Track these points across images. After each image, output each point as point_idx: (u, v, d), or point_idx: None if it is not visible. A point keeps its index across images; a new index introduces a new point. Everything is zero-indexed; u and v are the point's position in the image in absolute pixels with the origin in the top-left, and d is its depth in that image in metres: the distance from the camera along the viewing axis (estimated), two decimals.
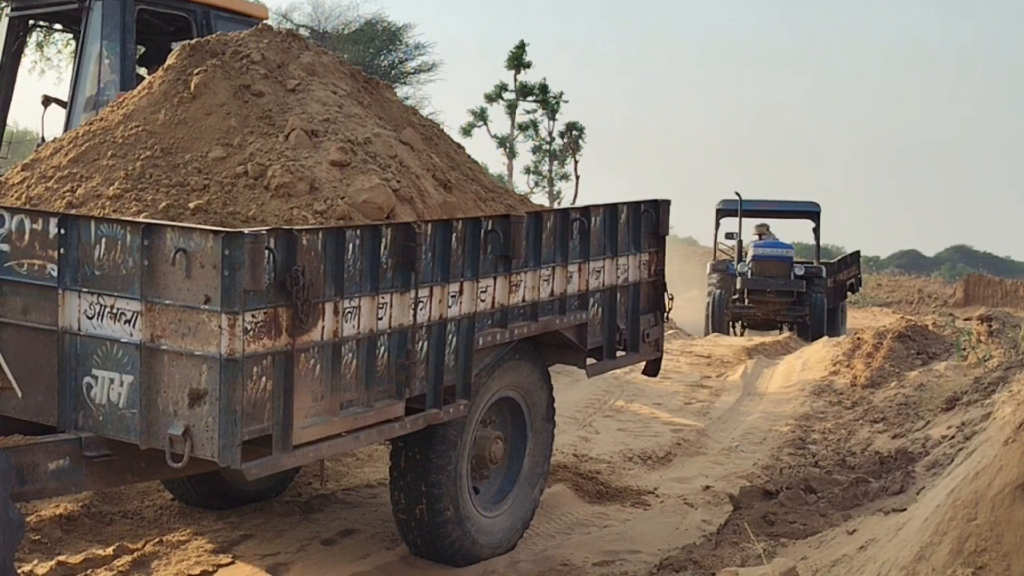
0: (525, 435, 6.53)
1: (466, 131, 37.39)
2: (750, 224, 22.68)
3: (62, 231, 4.63)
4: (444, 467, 5.81)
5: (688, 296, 25.28)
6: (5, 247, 4.77)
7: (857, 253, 24.53)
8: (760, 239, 22.02)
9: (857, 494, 6.96)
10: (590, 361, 6.80)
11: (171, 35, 9.08)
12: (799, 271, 20.95)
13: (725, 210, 22.48)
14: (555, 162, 40.70)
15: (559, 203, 38.56)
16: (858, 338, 15.37)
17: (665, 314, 7.42)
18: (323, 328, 4.70)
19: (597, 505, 7.64)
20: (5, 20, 9.29)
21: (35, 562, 5.76)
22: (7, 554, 4.01)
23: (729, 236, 22.15)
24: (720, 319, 20.91)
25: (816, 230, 22.66)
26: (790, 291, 20.69)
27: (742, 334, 21.18)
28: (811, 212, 22.78)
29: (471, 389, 5.70)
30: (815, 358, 14.95)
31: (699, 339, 18.65)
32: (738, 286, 20.81)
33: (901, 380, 12.28)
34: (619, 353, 7.02)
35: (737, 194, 21.62)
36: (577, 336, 6.55)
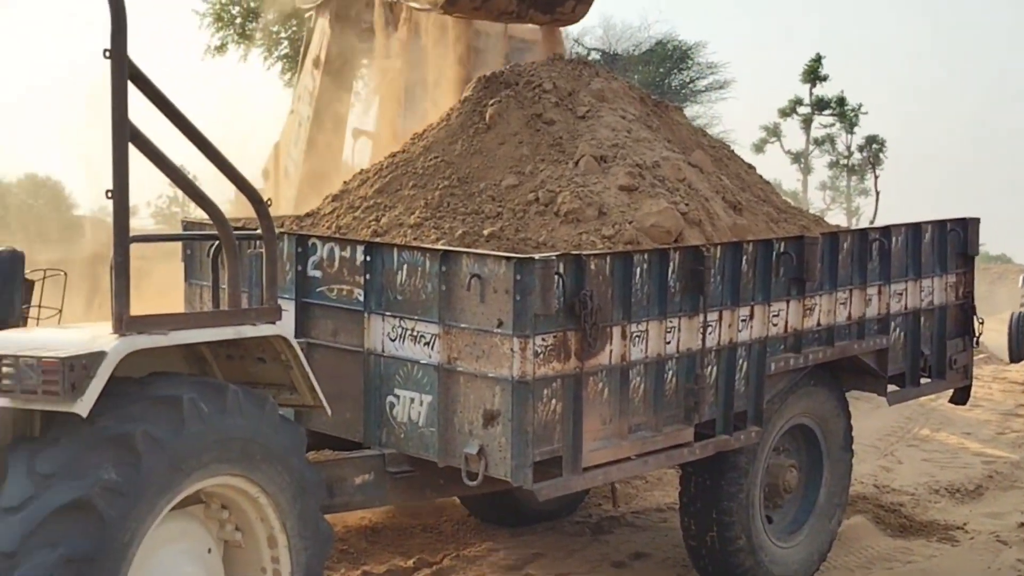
0: (821, 464, 6.31)
1: (758, 148, 36.77)
2: None
3: (368, 258, 4.89)
4: (735, 495, 5.70)
5: (1001, 318, 23.63)
6: (317, 273, 5.10)
7: None
8: None
9: None
10: (891, 388, 6.50)
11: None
12: None
13: None
14: (853, 177, 39.27)
15: (858, 220, 37.13)
16: None
17: (975, 339, 6.99)
18: (611, 352, 4.73)
19: (900, 539, 7.27)
20: None
21: (342, 571, 6.10)
22: (317, 564, 4.26)
23: None
24: (1020, 342, 19.10)
25: None
26: None
27: None
28: None
29: (763, 416, 5.57)
30: None
31: (1014, 364, 17.37)
32: None
33: None
34: (923, 380, 6.69)
35: None
36: (877, 362, 6.29)
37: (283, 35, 19.11)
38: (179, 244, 5.99)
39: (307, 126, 8.07)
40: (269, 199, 4.35)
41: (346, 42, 7.76)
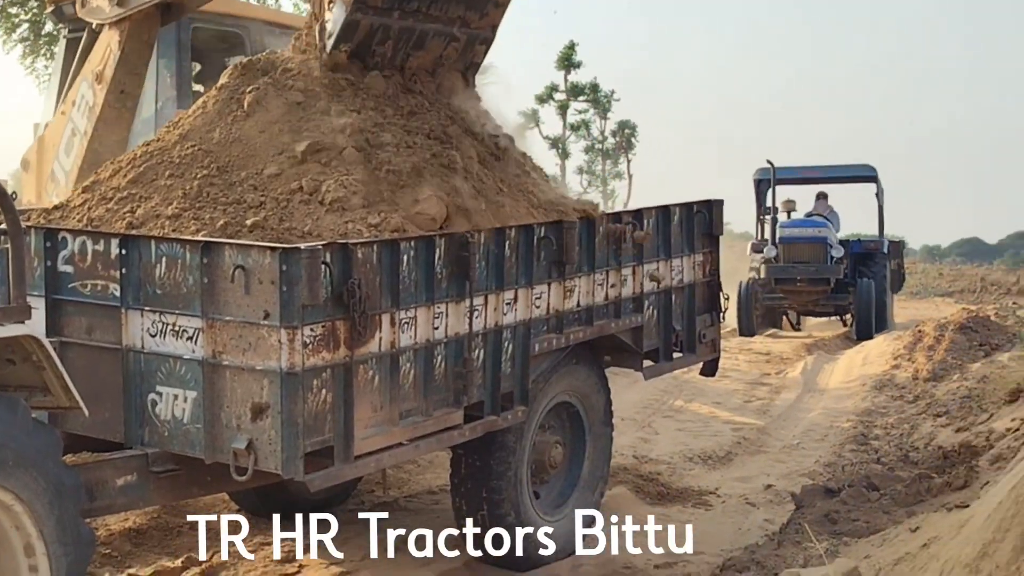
0: (584, 439, 6.54)
1: (518, 133, 37.43)
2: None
3: (123, 251, 4.73)
4: (504, 473, 5.84)
5: None
6: (68, 268, 4.88)
7: (901, 243, 22.25)
8: (788, 216, 19.51)
9: (920, 490, 6.91)
10: (647, 363, 6.80)
11: (225, 51, 9.22)
12: (840, 251, 18.44)
13: (765, 180, 19.01)
14: (608, 161, 40.63)
15: (613, 203, 38.45)
16: (919, 330, 15.15)
17: (721, 314, 7.41)
18: (380, 339, 4.76)
19: (658, 506, 7.62)
20: (63, 41, 9.50)
21: (106, 575, 5.88)
22: (79, 570, 4.11)
23: (766, 212, 19.15)
24: (750, 313, 18.37)
25: (879, 195, 19.47)
26: (825, 278, 18.07)
27: (797, 326, 20.36)
28: (866, 176, 19.48)
29: (528, 395, 5.73)
30: (876, 352, 14.78)
31: (757, 337, 18.45)
32: (761, 274, 18.40)
33: (964, 372, 12.10)
34: (676, 354, 7.01)
35: (769, 162, 18.65)
36: (633, 339, 6.56)
37: (24, 17, 18.05)
38: None
39: (85, 141, 7.62)
40: (14, 192, 4.14)
41: (137, 66, 7.39)
